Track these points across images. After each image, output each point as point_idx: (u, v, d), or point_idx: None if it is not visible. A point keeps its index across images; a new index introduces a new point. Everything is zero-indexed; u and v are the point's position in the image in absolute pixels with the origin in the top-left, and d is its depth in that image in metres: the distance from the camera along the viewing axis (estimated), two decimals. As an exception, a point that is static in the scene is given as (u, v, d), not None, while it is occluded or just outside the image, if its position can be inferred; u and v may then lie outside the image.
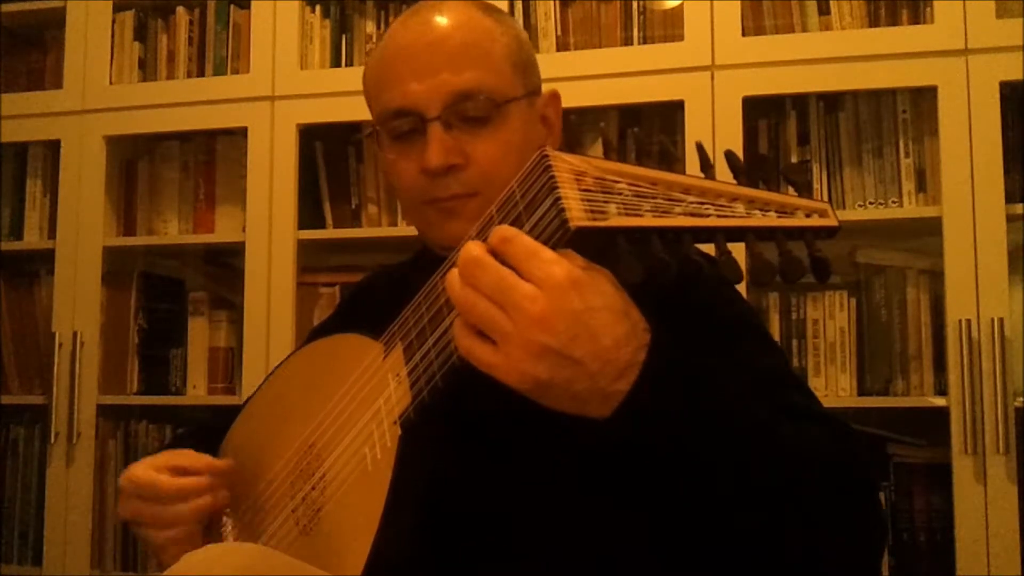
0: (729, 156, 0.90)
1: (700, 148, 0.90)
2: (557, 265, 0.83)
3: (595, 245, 0.85)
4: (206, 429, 1.43)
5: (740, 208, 0.85)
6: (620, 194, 0.84)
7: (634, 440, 0.88)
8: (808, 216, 0.86)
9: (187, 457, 1.19)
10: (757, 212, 0.85)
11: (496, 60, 1.21)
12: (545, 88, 1.31)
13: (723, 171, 0.90)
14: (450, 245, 1.20)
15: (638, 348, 0.87)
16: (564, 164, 0.86)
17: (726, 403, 0.93)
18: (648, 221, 0.82)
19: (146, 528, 1.18)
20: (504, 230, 0.86)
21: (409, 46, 1.22)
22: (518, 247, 0.85)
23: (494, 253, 0.86)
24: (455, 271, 0.88)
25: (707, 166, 0.89)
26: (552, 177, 0.85)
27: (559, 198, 0.83)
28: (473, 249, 0.86)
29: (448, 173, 1.19)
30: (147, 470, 1.16)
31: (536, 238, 0.85)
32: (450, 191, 1.20)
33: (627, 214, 0.82)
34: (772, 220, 0.85)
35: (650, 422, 0.88)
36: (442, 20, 1.22)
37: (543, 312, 0.83)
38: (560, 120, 1.30)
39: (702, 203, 0.84)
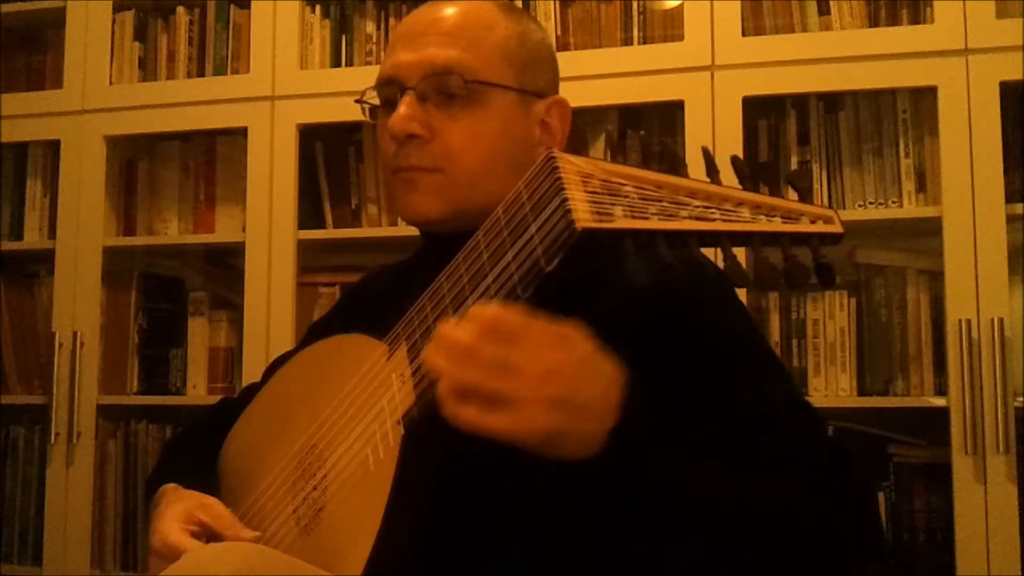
0: (734, 161, 0.90)
1: (706, 153, 0.91)
2: (550, 326, 0.89)
3: (600, 247, 0.85)
4: (206, 431, 1.43)
5: (746, 213, 0.86)
6: (626, 197, 0.84)
7: (623, 468, 0.94)
8: (813, 222, 0.86)
9: (217, 517, 1.17)
10: (762, 217, 0.86)
11: (486, 47, 1.22)
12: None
13: (728, 175, 0.90)
14: (410, 218, 1.24)
15: (620, 386, 0.94)
16: (571, 166, 0.86)
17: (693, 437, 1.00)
18: (654, 224, 0.83)
19: None
20: (486, 311, 0.88)
21: (411, 24, 1.26)
22: (512, 322, 0.88)
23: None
24: (437, 355, 0.91)
25: (713, 171, 0.90)
26: (559, 179, 0.86)
27: (566, 199, 0.84)
28: (460, 335, 0.89)
29: (411, 143, 1.20)
30: (183, 535, 1.14)
31: (543, 239, 0.86)
32: (409, 161, 1.21)
33: (633, 217, 0.83)
34: (777, 226, 0.85)
35: (633, 451, 0.94)
36: (450, 6, 1.25)
37: (549, 366, 0.87)
38: (565, 128, 1.29)
39: (708, 207, 0.85)
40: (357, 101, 1.32)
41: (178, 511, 1.17)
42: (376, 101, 1.29)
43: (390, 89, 1.24)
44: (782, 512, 1.03)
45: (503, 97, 1.23)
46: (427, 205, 1.22)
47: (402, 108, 1.20)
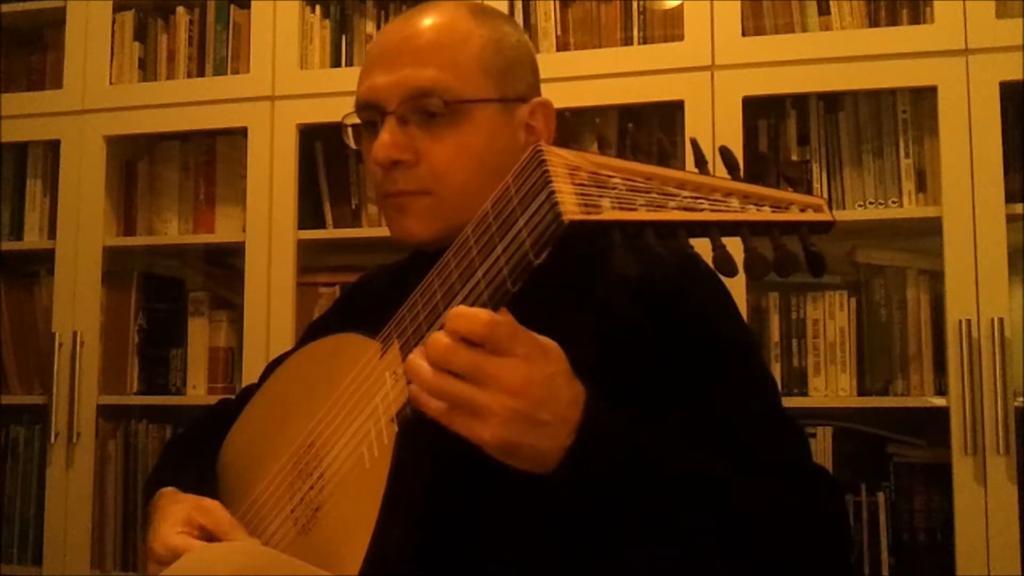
0: (724, 152, 0.90)
1: (695, 144, 0.91)
2: (528, 340, 0.92)
3: (589, 239, 0.85)
4: (204, 432, 1.43)
5: (734, 203, 0.85)
6: (614, 189, 0.84)
7: (581, 488, 0.96)
8: (803, 211, 0.86)
9: (216, 520, 1.16)
10: (751, 207, 0.85)
11: (463, 61, 1.21)
12: (545, 93, 1.30)
13: (719, 167, 0.90)
14: (405, 241, 1.25)
15: (581, 407, 0.96)
16: (558, 159, 0.86)
17: (660, 455, 1.01)
18: (642, 215, 0.82)
19: None
20: (471, 317, 0.90)
21: (385, 42, 1.24)
22: (500, 331, 0.90)
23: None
24: (422, 361, 0.93)
25: (702, 162, 0.90)
26: (546, 171, 0.85)
27: (553, 192, 0.84)
28: (442, 339, 0.91)
29: (397, 168, 1.20)
30: (183, 537, 1.13)
31: (530, 232, 0.86)
32: (397, 186, 1.21)
33: (621, 208, 0.83)
34: (766, 215, 0.85)
35: (593, 470, 0.96)
36: (422, 19, 1.23)
37: (518, 381, 0.90)
38: (551, 129, 1.28)
39: (696, 198, 0.85)
40: (339, 123, 1.31)
41: (177, 515, 1.17)
42: (356, 120, 1.28)
43: (370, 113, 1.23)
44: (764, 518, 1.03)
45: (485, 110, 1.21)
46: (420, 228, 1.22)
47: (384, 135, 1.19)
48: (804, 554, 1.06)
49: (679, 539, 1.00)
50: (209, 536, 1.14)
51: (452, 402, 0.91)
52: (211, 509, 1.17)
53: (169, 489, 1.24)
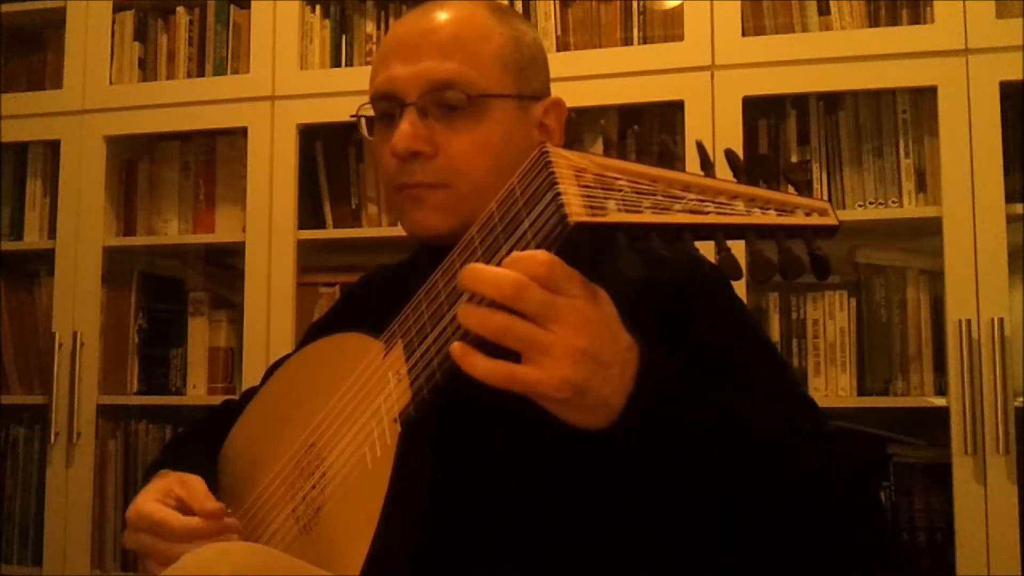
0: (729, 155, 0.90)
1: (700, 147, 0.91)
2: (583, 283, 0.88)
3: (594, 241, 0.85)
4: (207, 430, 1.43)
5: (740, 206, 0.85)
6: (620, 191, 0.84)
7: (644, 433, 0.93)
8: (808, 215, 0.86)
9: (193, 492, 1.16)
10: (757, 210, 0.86)
11: (484, 56, 1.21)
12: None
13: (723, 170, 0.90)
14: (417, 234, 1.23)
15: (637, 354, 0.93)
16: (564, 160, 0.86)
17: (717, 399, 1.00)
18: (647, 218, 0.82)
19: (152, 562, 1.16)
20: (529, 258, 0.87)
21: (404, 34, 1.24)
22: (558, 271, 0.87)
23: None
24: (467, 305, 0.90)
25: (707, 165, 0.90)
26: (552, 173, 0.85)
27: (559, 193, 0.84)
28: (511, 274, 0.87)
29: (415, 160, 1.19)
30: (156, 504, 1.15)
31: (536, 233, 0.86)
32: (415, 178, 1.20)
33: (626, 210, 0.83)
34: (772, 218, 0.85)
35: (656, 415, 0.93)
36: (442, 14, 1.23)
37: (580, 320, 0.87)
38: (562, 128, 1.29)
39: (702, 201, 0.85)
40: (353, 117, 1.31)
41: (158, 486, 1.19)
42: (370, 112, 1.28)
43: (387, 104, 1.23)
44: (817, 479, 1.03)
45: (504, 106, 1.22)
46: (436, 221, 1.21)
47: (404, 125, 1.19)
48: (849, 502, 1.06)
49: (738, 485, 0.98)
50: (185, 508, 1.15)
51: (514, 343, 0.87)
52: (189, 481, 1.18)
53: (161, 472, 1.25)
